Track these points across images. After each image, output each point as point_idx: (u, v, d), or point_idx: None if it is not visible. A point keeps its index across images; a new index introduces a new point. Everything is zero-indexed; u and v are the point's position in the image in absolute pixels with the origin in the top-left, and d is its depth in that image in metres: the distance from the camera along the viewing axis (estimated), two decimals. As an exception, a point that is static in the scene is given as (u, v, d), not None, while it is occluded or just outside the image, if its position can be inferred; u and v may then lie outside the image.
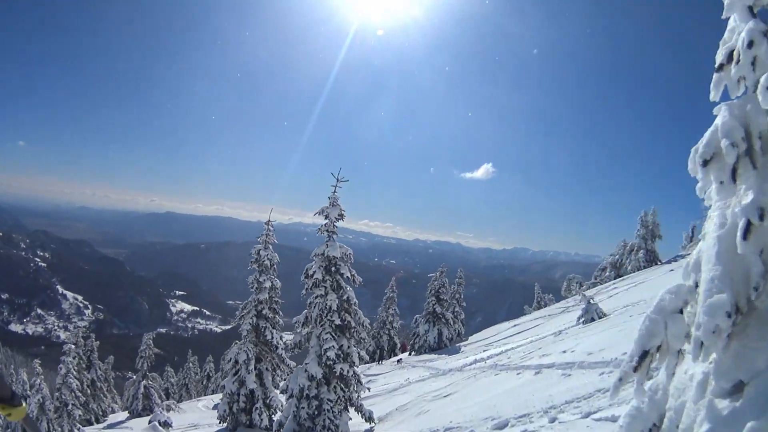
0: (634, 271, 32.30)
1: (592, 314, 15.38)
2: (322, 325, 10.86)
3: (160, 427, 15.50)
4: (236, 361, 13.11)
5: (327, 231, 11.36)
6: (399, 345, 33.09)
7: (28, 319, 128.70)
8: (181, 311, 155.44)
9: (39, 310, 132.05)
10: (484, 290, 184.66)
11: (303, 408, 10.56)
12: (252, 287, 13.83)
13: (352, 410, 11.21)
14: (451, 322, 30.75)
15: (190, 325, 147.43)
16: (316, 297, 11.08)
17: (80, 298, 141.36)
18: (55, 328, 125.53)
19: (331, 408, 10.49)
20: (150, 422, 16.32)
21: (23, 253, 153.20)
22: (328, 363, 10.52)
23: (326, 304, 10.84)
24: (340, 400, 10.80)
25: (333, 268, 11.20)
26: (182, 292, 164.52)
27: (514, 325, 26.92)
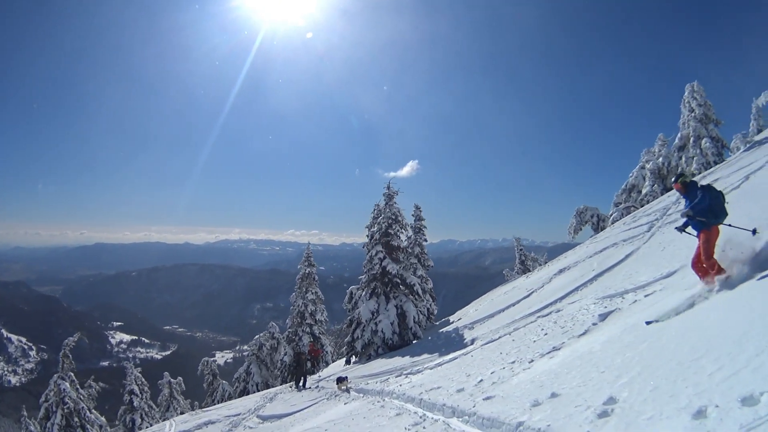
0: (700, 170, 21.17)
1: None
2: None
3: None
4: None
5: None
6: (307, 352, 17.95)
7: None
8: (121, 342, 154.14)
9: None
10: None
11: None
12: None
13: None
14: (420, 292, 16.56)
15: (131, 355, 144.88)
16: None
17: (24, 339, 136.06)
18: (5, 372, 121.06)
19: None
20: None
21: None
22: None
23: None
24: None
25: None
26: (119, 323, 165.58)
27: (560, 273, 13.44)
